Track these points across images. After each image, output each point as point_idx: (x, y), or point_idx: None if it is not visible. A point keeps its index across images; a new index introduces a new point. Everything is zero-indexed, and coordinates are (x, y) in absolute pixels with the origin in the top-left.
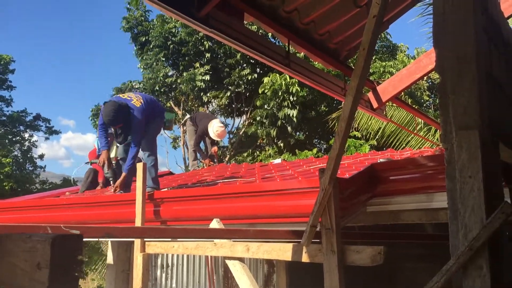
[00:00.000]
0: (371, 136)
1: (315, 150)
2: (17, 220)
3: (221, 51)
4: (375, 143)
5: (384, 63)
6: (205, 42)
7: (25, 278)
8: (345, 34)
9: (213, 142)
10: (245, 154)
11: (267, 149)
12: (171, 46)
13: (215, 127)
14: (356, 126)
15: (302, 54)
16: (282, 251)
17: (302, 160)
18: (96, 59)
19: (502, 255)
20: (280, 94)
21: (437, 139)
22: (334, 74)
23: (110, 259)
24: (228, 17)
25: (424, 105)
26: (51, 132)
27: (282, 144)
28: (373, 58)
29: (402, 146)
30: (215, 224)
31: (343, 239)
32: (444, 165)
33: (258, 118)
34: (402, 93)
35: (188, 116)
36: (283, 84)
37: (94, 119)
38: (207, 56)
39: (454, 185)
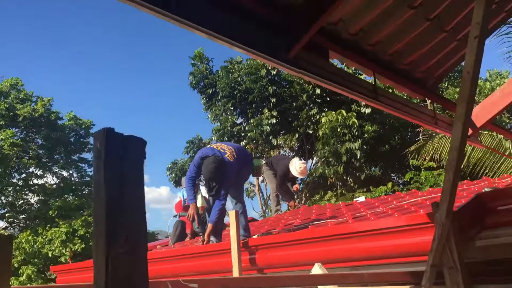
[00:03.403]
0: None
1: (390, 185)
2: None
3: (286, 94)
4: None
5: (457, 89)
6: (269, 88)
7: None
8: (432, 61)
9: (293, 182)
10: (317, 197)
11: (338, 188)
12: (238, 95)
13: (297, 165)
14: (437, 156)
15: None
16: None
17: (389, 196)
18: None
19: None
20: (339, 130)
21: None
22: (416, 102)
23: None
24: (314, 57)
25: (506, 127)
26: None
27: (351, 180)
28: (445, 84)
29: (490, 175)
30: (317, 269)
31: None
32: None
33: (323, 159)
34: None
35: (263, 162)
36: (339, 119)
37: (170, 173)
38: (273, 101)
39: None
